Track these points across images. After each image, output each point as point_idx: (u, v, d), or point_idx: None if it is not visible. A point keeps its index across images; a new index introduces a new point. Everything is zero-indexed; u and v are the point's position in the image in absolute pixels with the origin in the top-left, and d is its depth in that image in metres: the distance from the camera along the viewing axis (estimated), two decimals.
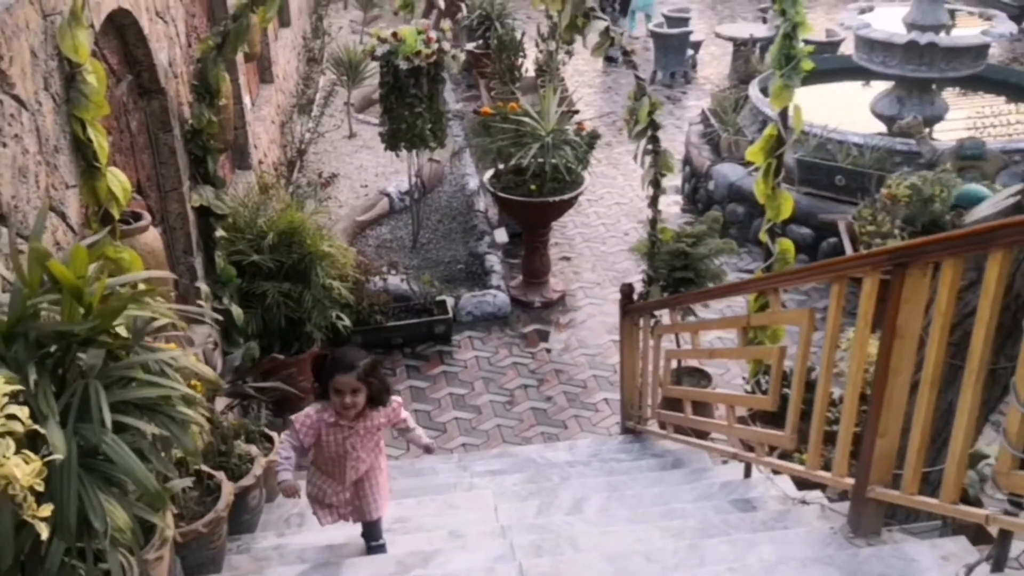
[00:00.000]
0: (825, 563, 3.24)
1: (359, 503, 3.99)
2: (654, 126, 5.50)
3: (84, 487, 1.92)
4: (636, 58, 14.09)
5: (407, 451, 6.68)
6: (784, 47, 4.36)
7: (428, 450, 4.14)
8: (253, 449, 4.66)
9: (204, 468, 3.93)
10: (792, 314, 4.14)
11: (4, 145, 3.02)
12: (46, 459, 1.57)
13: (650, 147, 5.61)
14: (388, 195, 9.63)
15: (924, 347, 3.29)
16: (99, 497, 1.91)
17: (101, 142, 3.71)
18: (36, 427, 1.61)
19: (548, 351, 7.90)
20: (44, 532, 1.56)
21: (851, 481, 3.58)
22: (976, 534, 3.45)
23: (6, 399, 1.52)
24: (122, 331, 2.22)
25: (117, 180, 3.82)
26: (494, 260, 8.77)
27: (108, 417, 1.90)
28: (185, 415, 2.09)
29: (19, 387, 1.57)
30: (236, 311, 5.86)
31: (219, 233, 5.85)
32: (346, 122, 10.89)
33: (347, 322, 6.98)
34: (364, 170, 10.17)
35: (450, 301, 8.05)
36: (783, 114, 4.52)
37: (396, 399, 3.93)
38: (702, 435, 5.61)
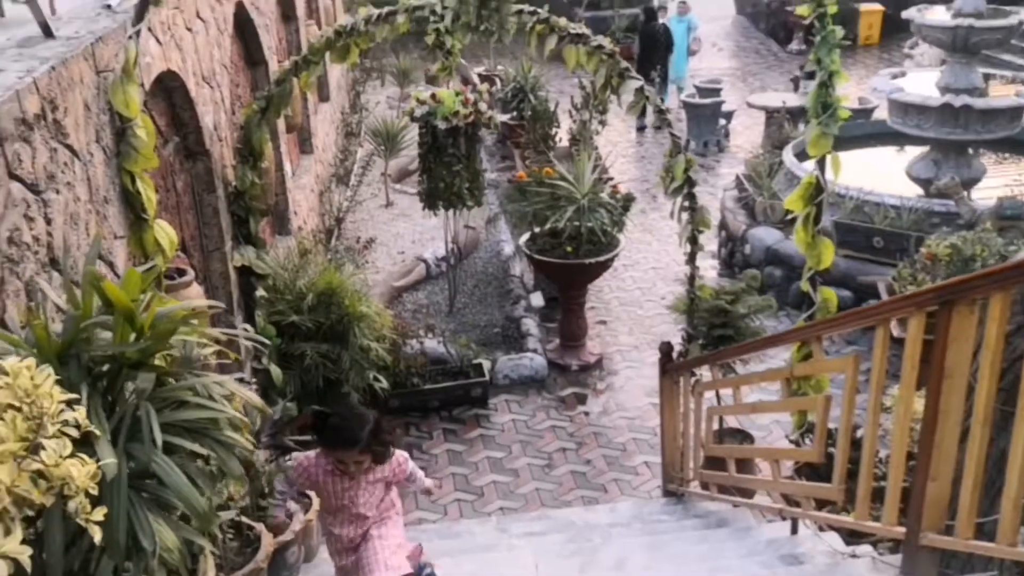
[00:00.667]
0: None
1: (363, 564, 3.76)
2: (690, 183, 5.54)
3: (133, 507, 1.92)
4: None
5: (444, 515, 6.61)
6: (821, 95, 4.40)
7: (428, 492, 4.21)
8: (292, 505, 4.64)
9: (244, 520, 3.92)
10: (836, 362, 4.09)
11: (57, 191, 3.11)
12: (100, 464, 1.58)
13: (687, 204, 5.64)
14: (424, 261, 9.72)
15: (973, 393, 3.24)
16: (148, 517, 1.91)
17: (149, 195, 3.81)
18: (92, 428, 1.62)
19: (586, 414, 7.83)
20: (97, 536, 1.56)
21: (902, 529, 3.49)
22: None
23: (62, 406, 1.53)
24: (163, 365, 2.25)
25: (164, 232, 3.91)
26: (530, 323, 8.77)
27: (159, 437, 1.91)
28: (232, 439, 2.09)
29: (74, 396, 1.59)
30: (275, 371, 5.89)
31: (260, 293, 5.93)
32: (383, 191, 11.06)
33: (384, 384, 6.99)
34: (401, 237, 10.29)
35: (487, 364, 8.04)
36: (821, 162, 4.54)
37: (401, 454, 3.85)
38: (746, 494, 5.51)
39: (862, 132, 11.01)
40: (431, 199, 7.56)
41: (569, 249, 7.84)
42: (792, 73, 14.83)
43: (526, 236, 8.34)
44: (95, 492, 1.55)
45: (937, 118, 9.30)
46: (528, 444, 7.44)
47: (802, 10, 4.54)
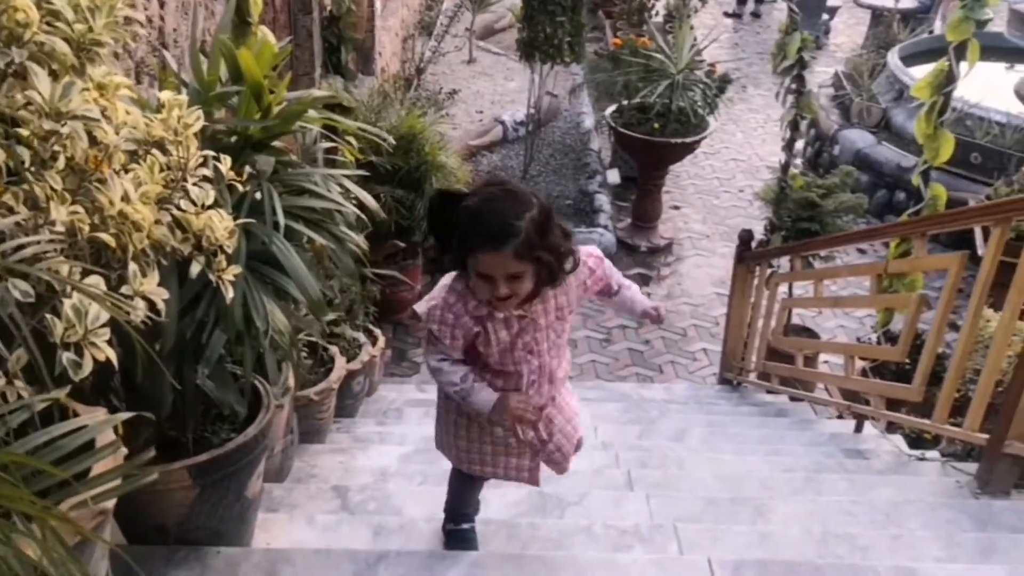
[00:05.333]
0: (955, 509, 3.07)
1: (548, 443, 2.46)
2: (802, 64, 5.27)
3: (248, 287, 1.89)
4: (767, 19, 13.60)
5: None
6: None
7: (653, 317, 2.55)
8: (361, 336, 4.67)
9: (320, 341, 3.93)
10: (940, 259, 3.92)
11: None
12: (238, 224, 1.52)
13: (794, 87, 5.38)
14: (502, 123, 9.54)
15: None
16: (262, 298, 1.87)
17: None
18: (238, 181, 1.56)
19: (649, 295, 7.73)
20: (229, 293, 1.51)
21: (984, 436, 3.40)
22: None
23: (201, 158, 1.47)
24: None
25: (266, 40, 3.79)
26: (603, 200, 8.61)
27: (281, 217, 1.85)
28: (347, 235, 2.04)
29: (210, 152, 1.53)
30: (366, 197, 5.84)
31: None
32: (467, 47, 10.79)
33: None
34: (480, 96, 10.09)
35: None
36: (959, 48, 4.26)
37: (592, 251, 2.32)
38: (808, 390, 5.44)
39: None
40: (529, 49, 7.25)
41: (656, 126, 7.60)
42: None
43: (612, 108, 8.09)
44: (231, 250, 1.50)
45: None
46: (589, 317, 7.40)
47: None
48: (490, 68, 10.50)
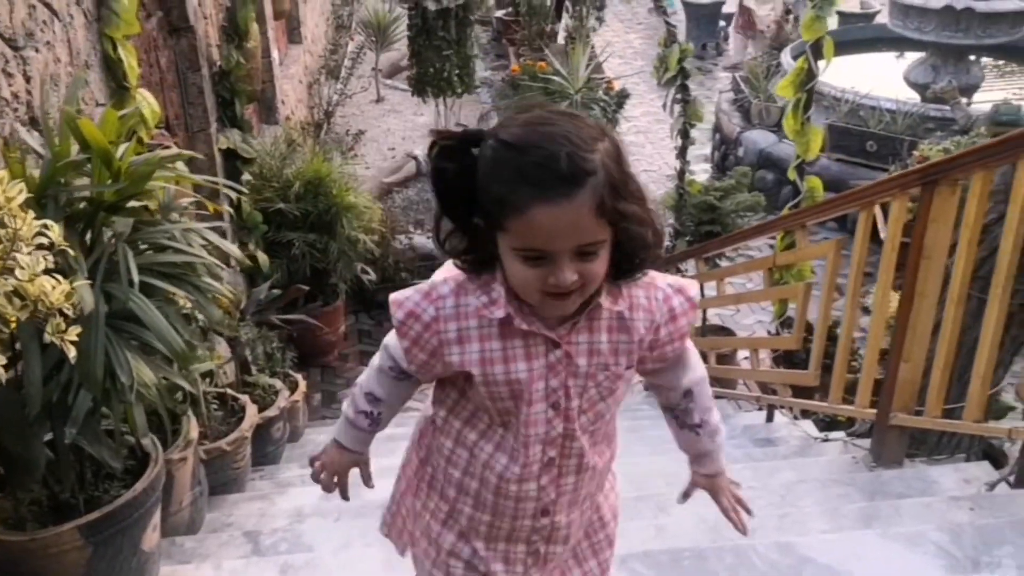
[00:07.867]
0: (846, 484, 3.22)
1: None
2: (684, 74, 5.47)
3: (111, 344, 1.95)
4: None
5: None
6: None
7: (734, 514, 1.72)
8: (278, 383, 4.70)
9: (229, 391, 3.98)
10: (818, 248, 4.11)
11: (36, 50, 3.06)
12: (75, 285, 1.59)
13: (679, 96, 5.58)
14: (415, 158, 9.62)
15: (949, 283, 3.26)
16: (126, 354, 1.94)
17: (132, 63, 3.74)
18: (67, 247, 1.63)
19: None
20: (71, 352, 1.58)
21: (874, 412, 3.56)
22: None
23: (36, 227, 1.54)
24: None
25: (146, 102, 3.85)
26: None
27: (136, 275, 1.92)
28: (210, 285, 2.11)
29: (48, 221, 1.60)
30: (262, 257, 5.88)
31: (246, 178, 5.88)
32: (374, 86, 10.90)
33: (372, 276, 7.01)
34: (391, 133, 10.19)
35: None
36: (815, 46, 4.49)
37: (686, 287, 1.45)
38: (726, 387, 5.60)
39: (862, 36, 10.87)
40: (420, 85, 7.39)
41: None
42: None
43: None
44: (69, 312, 1.57)
45: (938, 21, 9.14)
46: None
47: None
48: (399, 105, 10.61)
